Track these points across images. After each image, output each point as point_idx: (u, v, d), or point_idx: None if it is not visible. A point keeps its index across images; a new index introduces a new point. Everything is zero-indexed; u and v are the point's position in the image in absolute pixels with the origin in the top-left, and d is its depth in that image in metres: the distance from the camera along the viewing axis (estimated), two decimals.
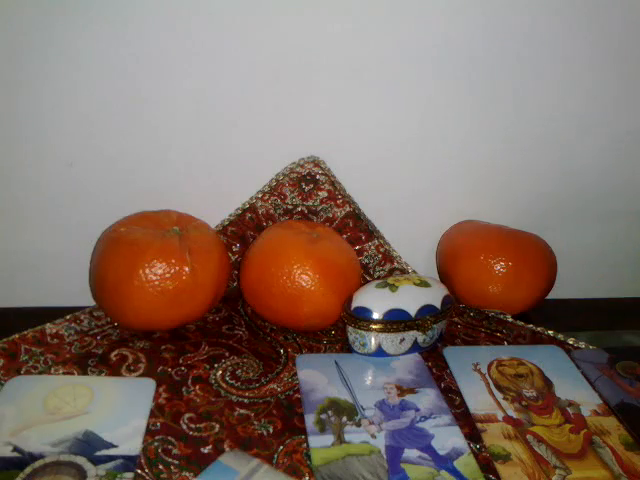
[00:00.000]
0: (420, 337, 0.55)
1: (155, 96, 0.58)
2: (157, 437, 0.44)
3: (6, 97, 0.56)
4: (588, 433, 0.47)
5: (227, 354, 0.55)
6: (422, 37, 0.59)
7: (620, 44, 0.62)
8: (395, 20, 0.58)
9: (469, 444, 0.46)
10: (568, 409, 0.50)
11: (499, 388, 0.52)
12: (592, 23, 0.61)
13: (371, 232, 0.66)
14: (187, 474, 0.41)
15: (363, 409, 0.48)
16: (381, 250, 0.66)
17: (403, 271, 0.67)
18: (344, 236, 0.65)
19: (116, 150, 0.60)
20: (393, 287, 0.55)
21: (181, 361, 0.53)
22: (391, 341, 0.54)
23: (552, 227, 0.68)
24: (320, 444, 0.44)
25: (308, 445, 0.44)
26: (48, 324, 0.57)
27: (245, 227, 0.64)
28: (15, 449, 0.42)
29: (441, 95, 0.62)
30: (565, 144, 0.66)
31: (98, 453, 0.42)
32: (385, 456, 0.43)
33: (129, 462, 0.41)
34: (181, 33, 0.56)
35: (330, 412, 0.47)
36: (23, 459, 0.41)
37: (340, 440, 0.44)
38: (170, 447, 0.43)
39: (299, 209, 0.65)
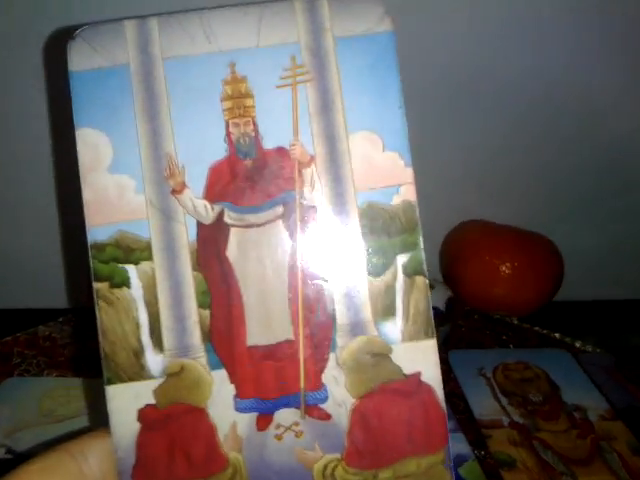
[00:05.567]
0: None
1: None
2: None
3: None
4: (595, 438, 0.46)
5: None
6: (421, 37, 0.58)
7: (623, 44, 0.61)
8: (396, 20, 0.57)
9: (473, 450, 0.45)
10: (575, 414, 0.49)
11: (504, 393, 0.51)
12: (591, 21, 0.60)
13: None
14: None
15: None
16: None
17: None
18: None
19: None
20: None
21: None
22: None
23: (559, 227, 0.67)
24: None
25: None
26: (40, 326, 0.56)
27: None
28: (8, 451, 0.41)
29: (442, 95, 0.61)
30: (571, 142, 0.65)
31: None
32: None
33: None
34: None
35: None
36: (16, 461, 0.40)
37: None
38: None
39: None
